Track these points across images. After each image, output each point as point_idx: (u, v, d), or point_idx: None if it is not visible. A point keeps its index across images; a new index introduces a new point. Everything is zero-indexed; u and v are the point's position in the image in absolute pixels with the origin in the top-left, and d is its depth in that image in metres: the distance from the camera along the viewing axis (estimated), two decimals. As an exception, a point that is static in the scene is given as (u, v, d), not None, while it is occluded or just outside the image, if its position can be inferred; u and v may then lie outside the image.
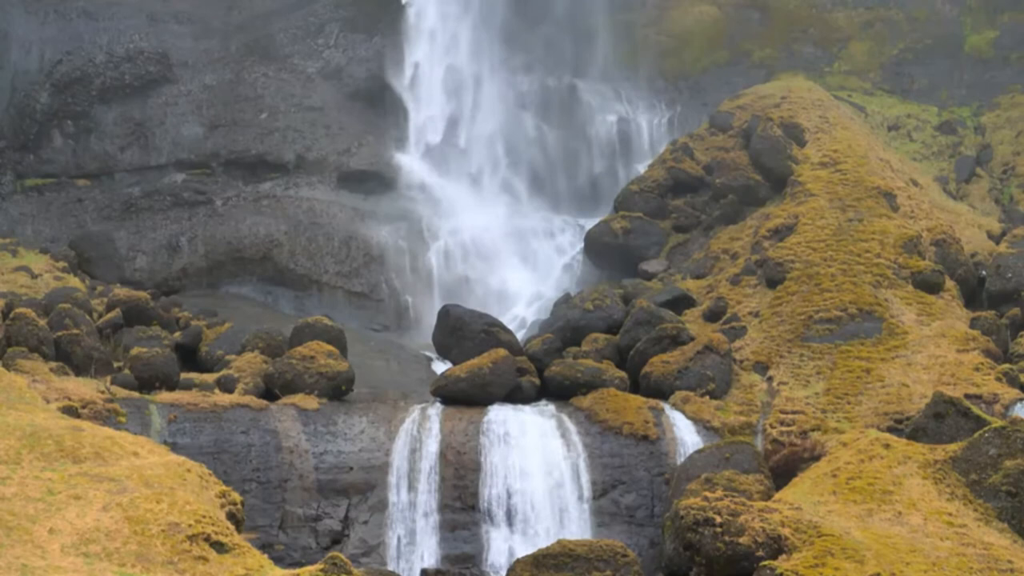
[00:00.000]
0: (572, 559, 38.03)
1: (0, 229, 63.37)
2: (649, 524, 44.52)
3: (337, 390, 47.17)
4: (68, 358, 46.77)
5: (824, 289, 52.30)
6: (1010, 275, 54.21)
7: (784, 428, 46.18)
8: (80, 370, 46.49)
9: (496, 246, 66.16)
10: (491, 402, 47.26)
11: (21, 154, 66.46)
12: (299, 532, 43.82)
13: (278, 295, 64.04)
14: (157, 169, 66.82)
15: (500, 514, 44.30)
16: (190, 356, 50.56)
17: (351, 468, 44.93)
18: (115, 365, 47.60)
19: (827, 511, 38.96)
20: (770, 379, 49.35)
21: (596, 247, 62.69)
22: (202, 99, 68.19)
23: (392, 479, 44.81)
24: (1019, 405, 45.73)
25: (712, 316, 53.72)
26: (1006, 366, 48.62)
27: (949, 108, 71.29)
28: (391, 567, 43.42)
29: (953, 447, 41.11)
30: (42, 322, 47.35)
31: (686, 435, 46.16)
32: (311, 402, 46.34)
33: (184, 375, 47.71)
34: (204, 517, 33.55)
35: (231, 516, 35.89)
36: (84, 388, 44.41)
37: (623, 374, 49.15)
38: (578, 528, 44.11)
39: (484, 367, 47.83)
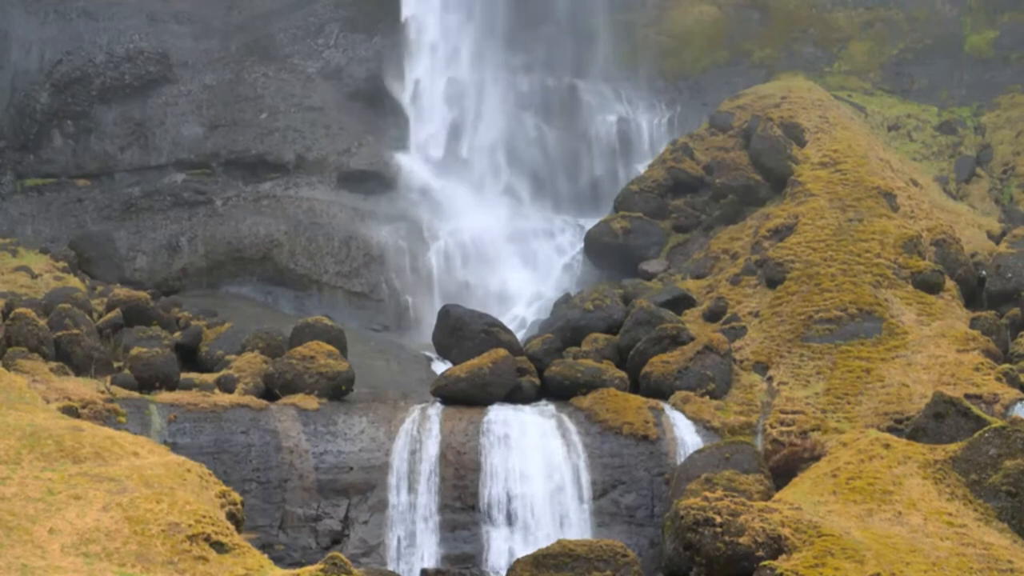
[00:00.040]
0: (572, 559, 38.03)
1: (0, 229, 63.38)
2: (649, 524, 44.51)
3: (337, 390, 47.17)
4: (68, 358, 46.77)
5: (824, 289, 52.31)
6: (1010, 275, 54.21)
7: (784, 428, 46.18)
8: (80, 370, 46.49)
9: (496, 246, 66.14)
10: (491, 402, 47.25)
11: (21, 154, 66.47)
12: (299, 532, 43.82)
13: (278, 295, 64.05)
14: (157, 169, 66.83)
15: (500, 514, 44.29)
16: (190, 356, 50.55)
17: (351, 468, 44.93)
18: (115, 365, 47.60)
19: (827, 511, 38.95)
20: (770, 379, 49.35)
21: (596, 247, 62.69)
22: (202, 99, 68.21)
23: (392, 479, 44.81)
24: (1019, 405, 45.73)
25: (712, 316, 53.72)
26: (1006, 366, 48.62)
27: (949, 108, 71.29)
28: (391, 567, 43.41)
29: (953, 447, 41.11)
30: (42, 322, 47.35)
31: (686, 435, 46.15)
32: (311, 402, 46.34)
33: (184, 375, 47.71)
34: (204, 517, 33.55)
35: (231, 516, 35.89)
36: (84, 388, 44.40)
37: (623, 374, 49.15)
38: (578, 528, 44.10)
39: (484, 367, 47.82)
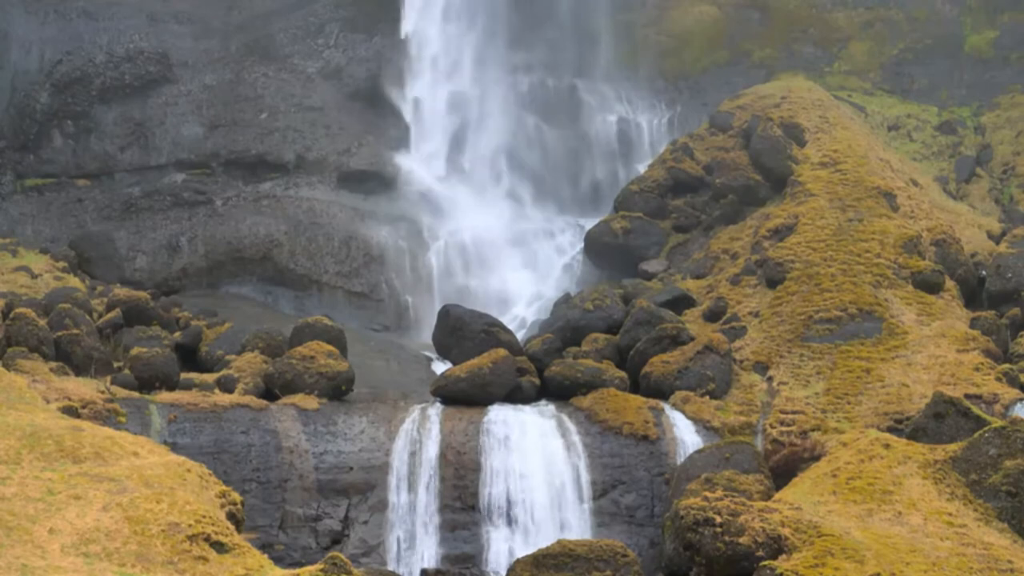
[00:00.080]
0: (572, 559, 38.03)
1: (0, 229, 63.38)
2: (649, 524, 44.50)
3: (337, 390, 47.17)
4: (68, 358, 46.77)
5: (824, 289, 52.30)
6: (1010, 275, 54.21)
7: (784, 428, 46.17)
8: (80, 370, 46.48)
9: (496, 246, 66.13)
10: (491, 402, 47.25)
11: (21, 154, 66.49)
12: (299, 532, 43.81)
13: (278, 295, 64.05)
14: (157, 169, 66.84)
15: (500, 515, 44.28)
16: (190, 356, 50.55)
17: (351, 468, 44.92)
18: (115, 365, 47.60)
19: (827, 511, 38.95)
20: (770, 379, 49.34)
21: (596, 247, 62.69)
22: (202, 99, 68.21)
23: (392, 479, 44.80)
24: (1019, 405, 45.72)
25: (712, 316, 53.71)
26: (1006, 366, 48.61)
27: (949, 108, 71.28)
28: (391, 567, 43.41)
29: (953, 447, 41.11)
30: (42, 322, 47.35)
31: (686, 435, 46.14)
32: (311, 402, 46.34)
33: (184, 375, 47.71)
34: (204, 517, 33.55)
35: (231, 516, 35.89)
36: (84, 388, 44.40)
37: (623, 374, 49.15)
38: (578, 528, 44.09)
39: (484, 367, 47.82)
